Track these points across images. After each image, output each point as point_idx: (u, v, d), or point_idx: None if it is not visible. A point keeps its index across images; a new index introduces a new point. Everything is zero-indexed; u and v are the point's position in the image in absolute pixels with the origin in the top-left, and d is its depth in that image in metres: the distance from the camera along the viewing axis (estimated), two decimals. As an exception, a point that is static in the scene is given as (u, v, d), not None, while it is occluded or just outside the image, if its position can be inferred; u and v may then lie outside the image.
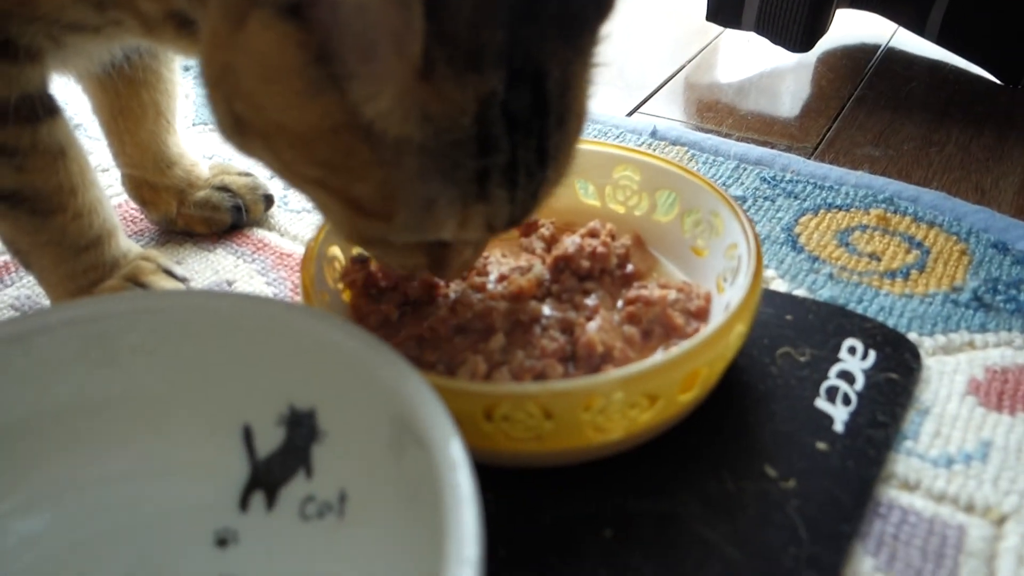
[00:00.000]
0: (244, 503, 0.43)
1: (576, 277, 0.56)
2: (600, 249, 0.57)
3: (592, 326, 0.51)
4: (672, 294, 0.55)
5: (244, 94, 0.37)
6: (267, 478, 0.43)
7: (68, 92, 0.59)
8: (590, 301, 0.54)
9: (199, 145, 0.84)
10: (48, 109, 0.51)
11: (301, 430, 0.43)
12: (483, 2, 0.34)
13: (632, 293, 0.55)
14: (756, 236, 0.52)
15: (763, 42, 1.06)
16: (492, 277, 0.55)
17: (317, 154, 0.37)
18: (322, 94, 0.35)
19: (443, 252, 0.45)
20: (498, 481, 0.45)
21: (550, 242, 0.61)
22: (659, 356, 0.44)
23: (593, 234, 0.59)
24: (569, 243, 0.57)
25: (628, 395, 0.43)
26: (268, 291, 0.64)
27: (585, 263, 0.56)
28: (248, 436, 0.44)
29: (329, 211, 0.42)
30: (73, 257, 0.56)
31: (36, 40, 0.47)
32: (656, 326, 0.53)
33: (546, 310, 0.53)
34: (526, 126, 0.37)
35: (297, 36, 0.34)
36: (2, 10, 0.45)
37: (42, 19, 0.46)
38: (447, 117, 0.35)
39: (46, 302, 0.61)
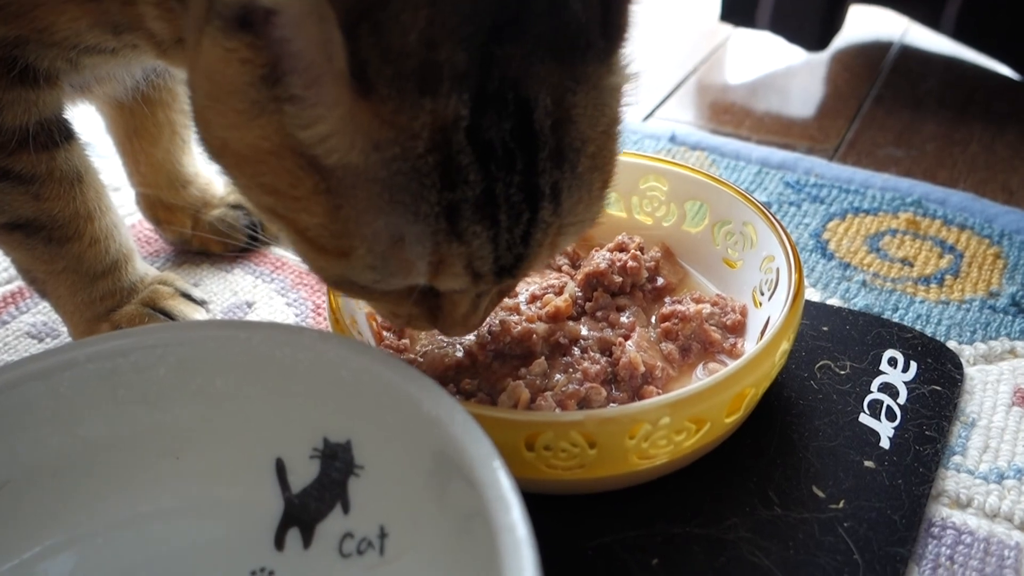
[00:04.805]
0: (279, 541, 0.41)
1: (609, 293, 0.54)
2: (631, 263, 0.55)
3: (631, 345, 0.50)
4: (707, 308, 0.53)
5: (199, 113, 0.37)
6: (302, 514, 0.42)
7: (79, 110, 0.58)
8: (624, 318, 0.53)
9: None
10: (65, 135, 0.50)
11: (336, 463, 0.41)
12: (441, 16, 0.31)
13: (667, 309, 0.54)
14: (794, 248, 0.51)
15: (774, 41, 1.04)
16: (523, 298, 0.54)
17: (262, 179, 0.35)
18: (262, 115, 0.33)
19: (437, 302, 0.41)
20: (539, 507, 0.44)
21: (574, 257, 0.59)
22: (705, 379, 0.42)
23: (622, 248, 0.57)
24: (599, 258, 0.55)
25: (675, 420, 0.41)
26: (289, 312, 0.63)
27: (617, 278, 0.54)
28: (281, 470, 0.42)
29: (293, 246, 0.39)
30: (90, 284, 0.55)
31: (55, 64, 0.46)
32: (694, 342, 0.52)
33: (583, 330, 0.51)
34: (507, 159, 0.33)
35: (241, 53, 0.33)
36: (21, 37, 0.44)
37: (60, 44, 0.44)
38: (397, 144, 0.32)
39: (63, 328, 0.59)
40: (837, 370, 0.54)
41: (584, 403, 0.46)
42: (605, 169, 0.38)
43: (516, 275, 0.38)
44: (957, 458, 0.50)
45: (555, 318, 0.51)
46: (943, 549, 0.45)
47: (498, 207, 0.34)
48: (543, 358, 0.48)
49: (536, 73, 0.33)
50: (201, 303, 0.61)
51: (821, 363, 0.55)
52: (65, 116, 0.51)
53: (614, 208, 0.62)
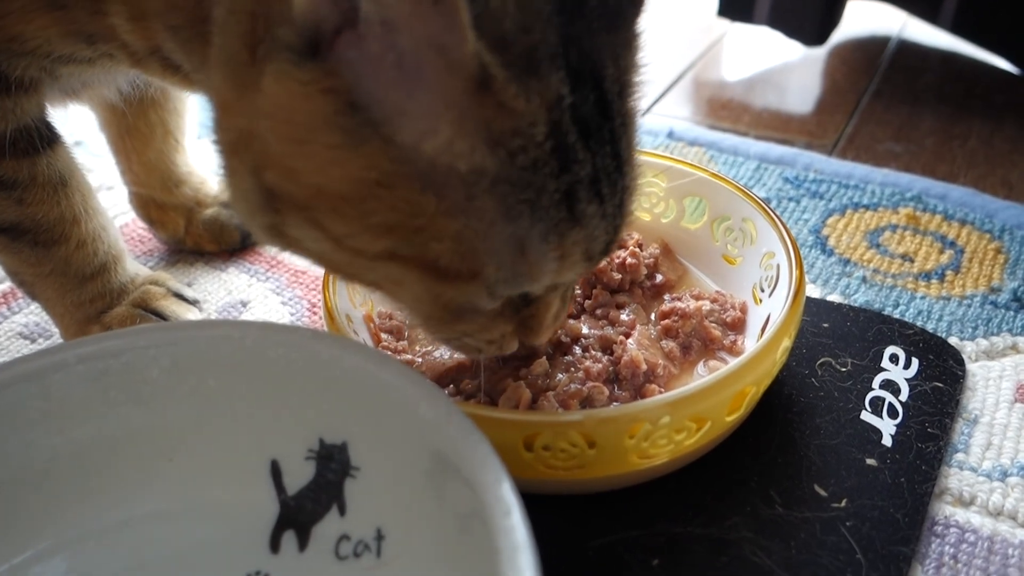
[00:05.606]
0: (275, 543, 0.41)
1: (608, 291, 0.54)
2: (630, 260, 0.55)
3: (631, 343, 0.49)
4: (707, 305, 0.53)
5: (273, 161, 0.33)
6: (298, 516, 0.41)
7: (71, 110, 0.57)
8: (624, 315, 0.52)
9: (205, 158, 0.81)
10: (47, 140, 0.49)
11: (332, 465, 0.41)
12: (525, 1, 0.31)
13: (667, 306, 0.53)
14: (795, 244, 0.50)
15: (771, 36, 1.04)
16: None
17: (373, 219, 0.33)
18: (363, 144, 0.31)
19: (531, 311, 0.40)
20: (539, 507, 0.43)
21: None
22: (706, 377, 0.42)
23: (620, 245, 0.57)
24: (598, 255, 0.55)
25: (675, 419, 0.41)
26: (284, 311, 0.62)
27: (616, 275, 0.54)
28: (276, 472, 0.42)
29: (404, 290, 0.37)
30: (78, 286, 0.54)
31: (28, 72, 0.45)
32: (694, 339, 0.52)
33: (583, 328, 0.51)
34: (598, 131, 0.34)
35: (321, 83, 0.30)
36: None
37: (33, 53, 0.43)
38: (519, 134, 0.31)
39: (56, 329, 0.58)
40: (838, 367, 0.53)
41: (587, 402, 0.45)
42: (638, 128, 0.39)
43: (611, 250, 0.38)
44: (960, 455, 0.49)
45: (555, 316, 0.50)
46: (947, 548, 0.44)
47: (600, 181, 0.35)
48: (544, 357, 0.47)
49: (601, 44, 0.34)
50: (193, 303, 0.61)
51: (822, 360, 0.54)
52: (48, 120, 0.49)
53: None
